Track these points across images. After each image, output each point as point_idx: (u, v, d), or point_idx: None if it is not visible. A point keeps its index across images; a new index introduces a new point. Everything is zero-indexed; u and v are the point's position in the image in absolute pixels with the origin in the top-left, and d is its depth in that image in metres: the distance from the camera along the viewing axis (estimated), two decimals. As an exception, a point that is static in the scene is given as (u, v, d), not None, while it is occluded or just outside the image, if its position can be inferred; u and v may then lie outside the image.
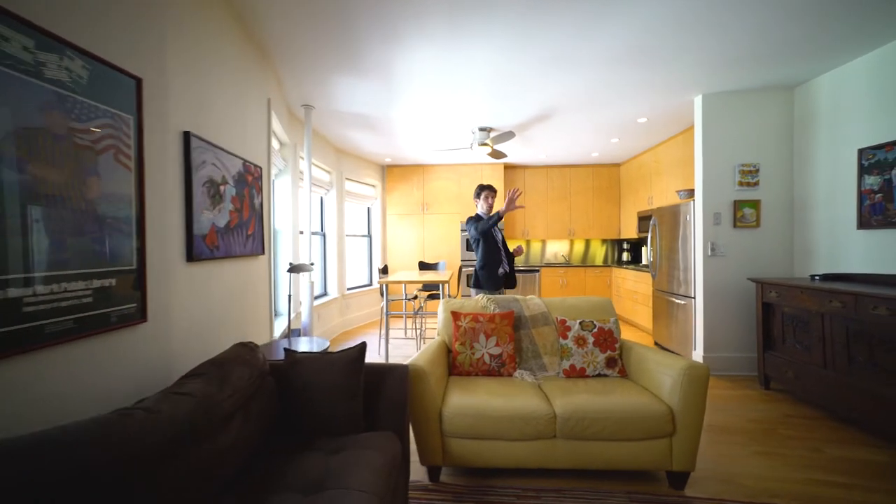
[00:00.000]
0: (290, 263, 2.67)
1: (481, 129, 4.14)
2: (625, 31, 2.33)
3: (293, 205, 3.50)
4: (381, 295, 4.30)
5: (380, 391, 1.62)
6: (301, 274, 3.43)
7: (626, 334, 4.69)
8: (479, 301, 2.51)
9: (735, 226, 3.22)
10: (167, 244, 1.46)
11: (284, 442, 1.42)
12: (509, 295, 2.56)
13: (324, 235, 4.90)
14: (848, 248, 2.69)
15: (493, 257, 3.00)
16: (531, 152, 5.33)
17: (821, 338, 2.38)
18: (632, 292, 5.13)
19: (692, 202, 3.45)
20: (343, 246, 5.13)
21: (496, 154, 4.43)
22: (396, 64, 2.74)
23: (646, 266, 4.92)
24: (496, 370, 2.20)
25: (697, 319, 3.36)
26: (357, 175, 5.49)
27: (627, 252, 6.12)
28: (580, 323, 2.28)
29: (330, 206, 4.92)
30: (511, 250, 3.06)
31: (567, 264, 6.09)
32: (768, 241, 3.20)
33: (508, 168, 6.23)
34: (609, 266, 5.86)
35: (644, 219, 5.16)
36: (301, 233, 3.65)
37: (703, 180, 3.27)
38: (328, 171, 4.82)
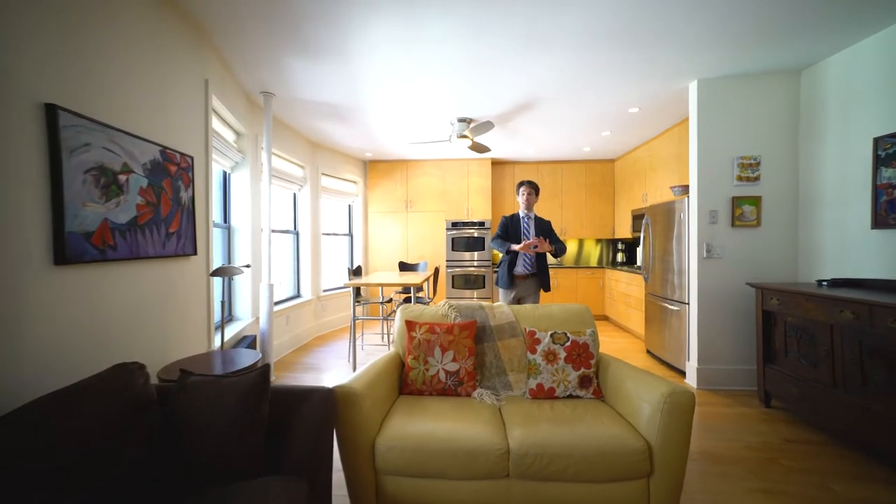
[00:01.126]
0: (245, 266, 2.38)
1: (460, 121, 3.85)
2: (602, 5, 2.03)
3: (253, 201, 3.22)
4: (354, 298, 4.02)
5: (293, 422, 1.34)
6: (263, 277, 3.15)
7: (619, 341, 4.39)
8: (439, 309, 2.22)
9: (733, 225, 2.91)
10: (12, 244, 1.17)
11: (156, 494, 1.13)
12: (476, 301, 2.27)
13: (297, 234, 4.63)
14: (861, 251, 2.38)
15: (510, 256, 2.93)
16: (518, 147, 5.03)
17: (829, 353, 2.08)
18: (624, 295, 4.83)
19: (686, 199, 3.14)
20: (318, 245, 4.85)
21: (478, 147, 4.14)
22: (351, 45, 2.45)
23: (640, 268, 4.61)
24: (452, 389, 1.91)
25: (691, 327, 3.05)
26: (335, 170, 5.21)
27: (622, 252, 5.81)
28: (551, 335, 1.98)
29: (304, 202, 4.64)
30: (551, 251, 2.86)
31: (559, 265, 5.79)
32: (770, 242, 2.89)
33: (497, 164, 5.93)
34: (602, 267, 5.55)
35: (638, 217, 4.85)
36: (262, 231, 3.37)
37: (699, 174, 2.96)
38: (301, 166, 4.54)
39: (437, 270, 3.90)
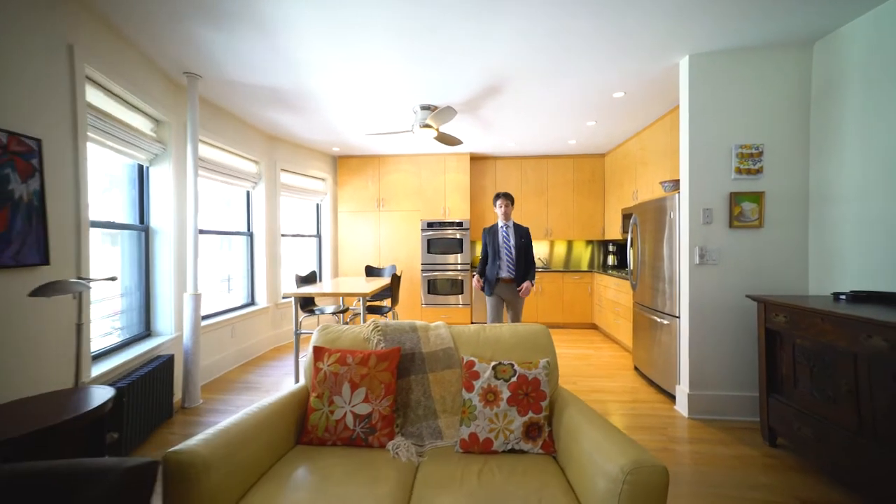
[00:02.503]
0: (109, 279, 1.96)
1: (424, 108, 3.41)
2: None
3: (178, 199, 2.80)
4: (306, 309, 3.58)
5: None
6: (188, 286, 2.72)
7: (605, 354, 3.94)
8: (362, 330, 1.78)
9: (731, 225, 2.46)
10: None
11: None
12: (409, 321, 1.84)
13: (250, 235, 4.20)
14: (889, 257, 1.93)
15: (492, 263, 3.18)
16: (497, 140, 4.59)
17: (853, 389, 1.63)
18: (613, 303, 4.38)
19: (677, 195, 2.70)
20: (276, 248, 4.43)
21: (446, 139, 3.70)
22: (265, 8, 2.02)
23: (629, 272, 4.16)
24: (362, 438, 1.48)
25: (682, 346, 2.61)
26: (299, 167, 4.78)
27: (613, 255, 5.36)
28: (493, 368, 1.55)
29: (259, 201, 4.22)
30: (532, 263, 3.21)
31: (544, 269, 5.35)
32: (774, 246, 2.44)
33: (476, 159, 5.49)
34: (592, 271, 5.10)
35: (628, 217, 4.40)
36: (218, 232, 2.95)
37: (690, 166, 2.52)
38: (254, 161, 4.12)
39: (395, 277, 3.45)
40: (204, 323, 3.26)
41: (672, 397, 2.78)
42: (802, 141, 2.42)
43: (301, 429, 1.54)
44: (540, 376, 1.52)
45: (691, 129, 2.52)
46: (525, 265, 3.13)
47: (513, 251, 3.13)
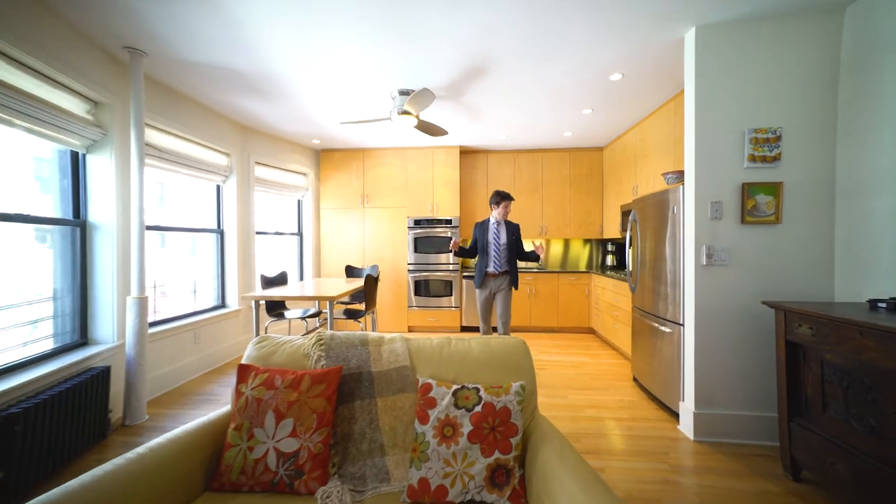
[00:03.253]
0: None
1: (402, 93, 3.11)
2: None
3: (121, 191, 2.51)
4: (274, 313, 3.30)
5: None
6: (133, 288, 2.43)
7: (603, 361, 3.61)
8: (302, 345, 1.48)
9: (743, 221, 2.15)
10: None
11: None
12: (361, 332, 1.53)
13: (220, 233, 3.91)
14: (935, 257, 1.62)
15: (480, 258, 3.27)
16: (486, 131, 4.28)
17: (899, 419, 1.32)
18: (611, 306, 4.06)
19: (681, 188, 2.39)
20: (250, 246, 4.14)
21: (428, 128, 3.40)
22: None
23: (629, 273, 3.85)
24: (286, 483, 1.18)
25: (686, 357, 2.30)
26: (277, 160, 4.49)
27: (611, 255, 5.04)
28: (454, 394, 1.25)
29: (230, 196, 3.93)
30: (528, 251, 3.27)
31: (539, 269, 5.04)
32: (794, 245, 2.13)
33: (466, 153, 5.18)
34: (589, 272, 4.79)
35: (628, 213, 4.09)
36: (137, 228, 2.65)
37: (697, 154, 2.20)
38: (225, 153, 3.83)
39: (370, 279, 3.14)
40: (162, 328, 2.98)
41: (675, 415, 2.47)
42: (828, 123, 2.10)
43: (215, 470, 1.24)
44: (511, 405, 1.22)
45: (698, 111, 2.20)
46: (515, 261, 3.24)
47: (501, 248, 3.20)
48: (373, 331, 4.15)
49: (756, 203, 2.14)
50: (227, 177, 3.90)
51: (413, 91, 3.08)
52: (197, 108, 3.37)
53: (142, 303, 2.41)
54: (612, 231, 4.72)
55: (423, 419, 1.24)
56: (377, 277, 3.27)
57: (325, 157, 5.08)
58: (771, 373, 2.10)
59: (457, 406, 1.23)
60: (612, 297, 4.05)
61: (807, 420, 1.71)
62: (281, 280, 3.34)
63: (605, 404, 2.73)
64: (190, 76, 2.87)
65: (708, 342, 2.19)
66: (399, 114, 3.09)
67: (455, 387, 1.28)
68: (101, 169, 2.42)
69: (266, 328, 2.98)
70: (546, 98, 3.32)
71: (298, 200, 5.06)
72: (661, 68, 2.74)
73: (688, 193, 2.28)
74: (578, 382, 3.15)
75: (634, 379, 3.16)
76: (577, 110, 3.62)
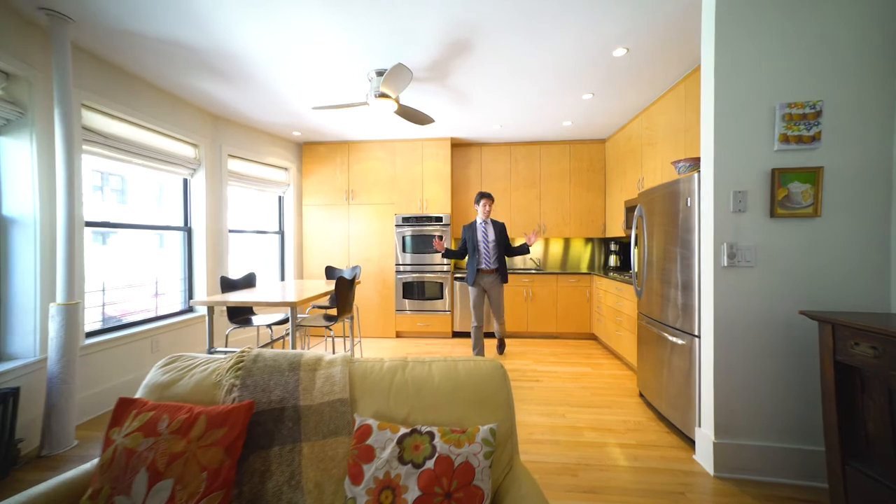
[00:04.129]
0: None
1: (379, 74, 2.78)
2: None
3: (45, 181, 2.19)
4: (238, 320, 2.97)
5: None
6: (58, 294, 2.10)
7: (606, 372, 3.21)
8: (215, 371, 1.15)
9: (773, 214, 1.80)
10: None
11: None
12: (294, 352, 1.20)
13: (188, 231, 3.59)
14: None
15: (471, 257, 3.51)
16: (478, 121, 3.94)
17: None
18: (614, 311, 3.71)
19: (696, 176, 2.04)
20: (222, 245, 3.81)
21: (410, 115, 3.06)
22: None
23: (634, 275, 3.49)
24: (159, 575, 0.84)
25: (704, 375, 1.94)
26: (252, 153, 4.17)
27: (615, 255, 4.69)
28: (399, 441, 0.92)
29: (198, 191, 3.61)
30: (515, 246, 3.55)
31: (537, 271, 4.69)
32: (837, 242, 1.77)
33: (458, 145, 4.84)
34: (590, 273, 4.43)
35: (633, 209, 3.74)
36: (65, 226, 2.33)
37: (717, 135, 1.85)
38: (192, 144, 3.51)
39: (342, 281, 2.79)
40: (111, 336, 2.66)
41: (690, 442, 2.11)
42: (883, 94, 1.74)
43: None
44: (475, 459, 0.88)
45: (718, 83, 1.85)
46: (503, 257, 3.51)
47: (490, 246, 3.47)
48: (356, 339, 3.59)
49: (789, 193, 1.78)
50: (194, 170, 3.58)
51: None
52: (153, 91, 3.04)
53: (70, 310, 2.08)
54: (616, 229, 4.36)
55: (356, 478, 0.90)
56: (353, 280, 2.94)
57: (307, 150, 4.75)
58: (810, 398, 1.75)
59: (402, 460, 0.89)
60: (614, 300, 3.69)
61: (869, 465, 1.35)
62: (246, 283, 3.01)
63: (609, 425, 2.38)
64: (139, 52, 2.55)
65: (730, 358, 1.84)
66: (376, 97, 2.75)
67: (403, 431, 0.94)
68: (18, 154, 2.10)
69: (227, 337, 2.66)
70: (541, 80, 2.97)
71: (279, 197, 4.74)
72: (671, 43, 2.39)
73: (705, 182, 1.93)
74: (579, 398, 2.81)
75: (641, 395, 2.81)
76: (576, 95, 3.28)
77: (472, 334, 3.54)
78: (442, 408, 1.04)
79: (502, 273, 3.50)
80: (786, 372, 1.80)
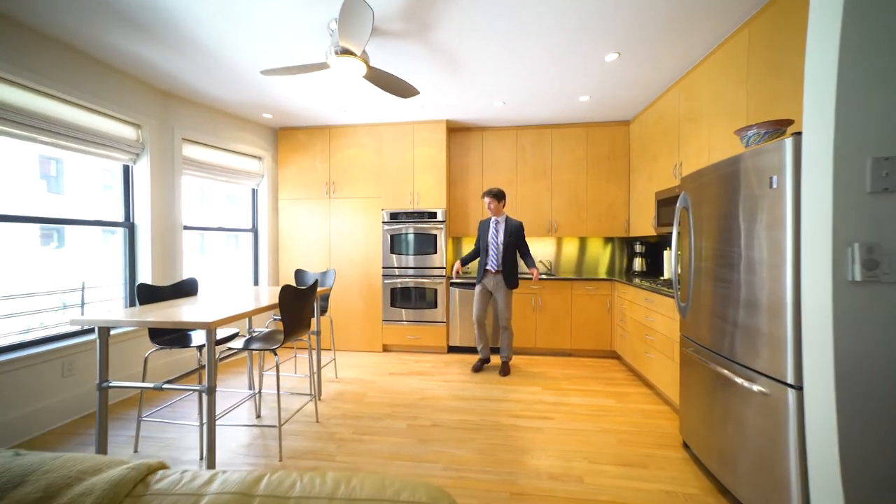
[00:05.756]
0: None
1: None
2: None
3: None
4: (160, 341, 2.35)
5: None
6: None
7: (632, 405, 2.39)
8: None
9: (935, 195, 1.09)
10: None
11: None
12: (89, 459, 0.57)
13: (130, 227, 3.03)
14: None
15: (482, 255, 3.32)
16: (478, 97, 3.28)
17: None
18: (642, 327, 3.00)
19: (786, 143, 1.35)
20: (175, 244, 3.25)
21: (385, 82, 2.42)
22: None
23: (665, 283, 2.80)
24: None
25: (814, 449, 1.25)
26: (215, 138, 3.60)
27: (640, 258, 3.97)
28: None
29: (143, 180, 3.04)
30: (526, 255, 3.30)
31: (549, 275, 4.00)
32: None
33: (457, 130, 4.20)
34: (612, 280, 3.73)
35: (668, 202, 3.03)
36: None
37: (842, 71, 1.15)
38: (133, 124, 2.95)
39: (287, 292, 2.13)
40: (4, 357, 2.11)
41: (775, 539, 1.41)
42: None
43: None
44: None
45: (837, -11, 1.15)
46: (513, 260, 3.24)
47: (500, 248, 3.23)
48: (329, 357, 3.04)
49: (964, 160, 1.08)
50: (137, 155, 3.02)
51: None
52: (69, 53, 2.47)
53: None
54: (643, 226, 3.65)
55: None
56: (312, 288, 2.31)
57: (283, 137, 4.17)
58: None
59: None
60: (642, 313, 2.99)
61: None
62: (178, 291, 2.42)
63: (648, 499, 1.70)
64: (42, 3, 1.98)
65: (869, 430, 1.14)
66: (337, 54, 2.12)
67: None
68: None
69: (146, 361, 2.08)
70: (554, 33, 2.30)
71: (253, 190, 4.17)
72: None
73: (813, 148, 1.23)
74: (602, 446, 2.13)
75: (685, 445, 2.11)
76: (597, 55, 2.59)
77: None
78: None
79: (508, 277, 3.21)
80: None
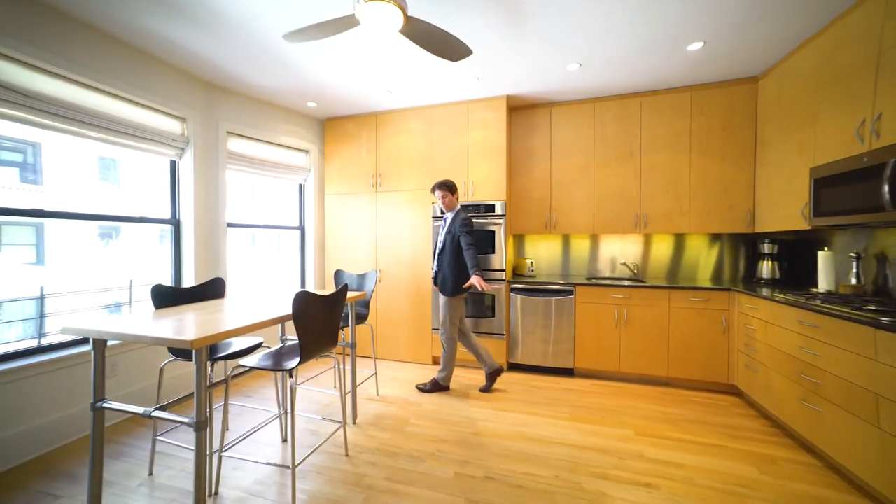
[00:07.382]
0: None
1: (372, -42, 1.68)
2: None
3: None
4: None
5: None
6: None
7: (790, 474, 1.66)
8: None
9: None
10: None
11: None
12: None
13: (176, 224, 2.94)
14: None
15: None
16: (547, 58, 2.62)
17: None
18: (794, 361, 2.08)
19: None
20: (220, 242, 3.12)
21: (428, 38, 1.90)
22: None
23: (829, 297, 1.83)
24: None
25: None
26: (261, 131, 3.44)
27: (771, 261, 2.95)
28: None
29: (187, 176, 2.94)
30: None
31: (636, 281, 3.18)
32: None
33: (520, 108, 3.55)
34: (728, 289, 2.79)
35: (835, 182, 2.07)
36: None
37: None
38: (177, 118, 2.84)
39: (303, 300, 1.70)
40: (29, 361, 2.02)
41: None
42: None
43: None
44: None
45: None
46: (455, 263, 2.75)
47: (437, 245, 2.88)
48: (369, 368, 2.56)
49: None
50: (182, 150, 2.91)
51: (390, -52, 1.61)
52: (107, 41, 2.37)
53: None
54: (779, 218, 2.65)
55: None
56: (339, 293, 1.89)
57: (330, 127, 3.91)
58: None
59: None
60: (795, 341, 2.07)
61: None
62: (207, 292, 2.16)
63: None
64: (54, -25, 1.84)
65: None
66: (366, 1, 1.66)
67: None
68: None
69: (161, 372, 1.84)
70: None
71: (300, 185, 3.98)
72: None
73: None
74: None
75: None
76: (731, -32, 1.79)
77: None
78: None
79: (443, 281, 2.78)
80: None
